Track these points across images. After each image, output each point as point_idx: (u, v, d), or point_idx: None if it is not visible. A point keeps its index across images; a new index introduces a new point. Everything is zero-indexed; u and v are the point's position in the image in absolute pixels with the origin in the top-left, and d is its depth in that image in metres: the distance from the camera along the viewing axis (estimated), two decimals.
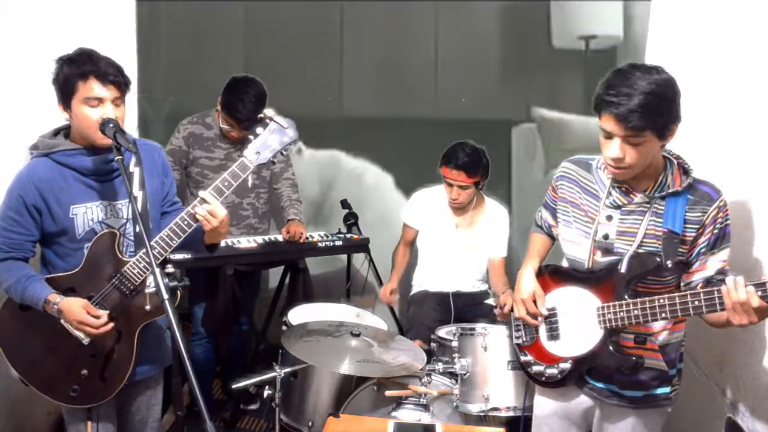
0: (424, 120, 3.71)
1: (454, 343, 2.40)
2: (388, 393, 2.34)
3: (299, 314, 2.79)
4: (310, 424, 2.45)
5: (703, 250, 1.74)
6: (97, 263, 1.92)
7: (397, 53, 3.78)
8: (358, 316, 2.82)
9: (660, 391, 1.88)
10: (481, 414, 2.33)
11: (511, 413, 2.31)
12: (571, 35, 3.62)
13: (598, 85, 1.69)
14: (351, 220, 3.46)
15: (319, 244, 3.22)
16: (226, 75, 2.97)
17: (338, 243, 3.28)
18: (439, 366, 2.41)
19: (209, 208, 1.85)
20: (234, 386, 2.33)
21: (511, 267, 3.09)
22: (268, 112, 1.94)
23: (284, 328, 2.68)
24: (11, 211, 1.89)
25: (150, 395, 2.16)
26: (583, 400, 1.98)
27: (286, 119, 1.93)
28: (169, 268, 1.70)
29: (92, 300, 1.90)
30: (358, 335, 2.35)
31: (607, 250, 1.83)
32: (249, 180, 1.90)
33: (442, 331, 2.65)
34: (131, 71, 2.28)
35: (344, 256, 3.51)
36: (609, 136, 1.66)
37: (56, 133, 1.96)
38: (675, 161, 1.78)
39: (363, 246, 3.35)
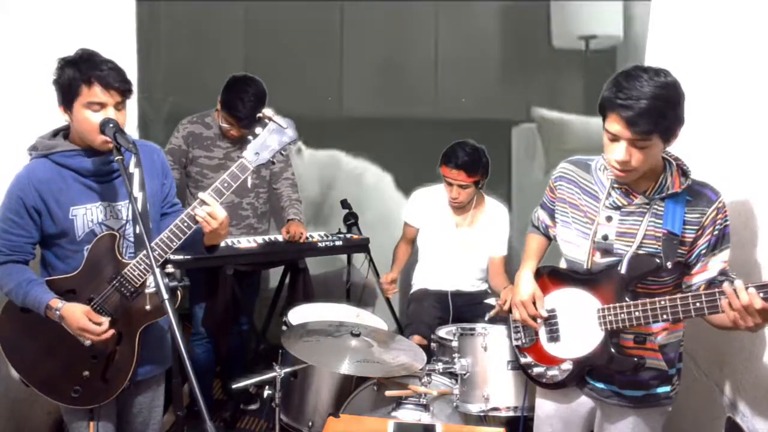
0: (424, 120, 3.71)
1: (454, 343, 2.40)
2: (388, 393, 2.34)
3: (299, 314, 2.79)
4: (310, 424, 2.45)
5: (703, 251, 1.74)
6: (97, 265, 1.92)
7: (397, 53, 3.78)
8: (358, 316, 2.82)
9: (660, 390, 1.88)
10: (481, 414, 2.33)
11: (511, 413, 2.31)
12: (571, 35, 3.62)
13: (604, 86, 1.69)
14: (351, 220, 3.46)
15: (319, 244, 3.22)
16: (226, 75, 2.97)
17: (338, 243, 3.28)
18: (439, 366, 2.41)
19: (209, 209, 1.84)
20: (234, 386, 2.33)
21: (511, 266, 3.09)
22: (267, 112, 1.93)
23: (284, 328, 2.68)
24: (11, 212, 1.88)
25: (152, 396, 2.16)
26: (584, 401, 1.98)
27: (285, 119, 1.93)
28: (169, 269, 1.70)
29: (93, 302, 1.90)
30: (358, 335, 2.35)
31: (607, 251, 1.83)
32: (248, 180, 1.90)
33: (442, 331, 2.65)
34: (131, 71, 2.28)
35: (344, 256, 3.51)
36: (615, 138, 1.66)
37: (55, 134, 1.96)
38: (674, 162, 1.79)
39: (363, 246, 3.35)
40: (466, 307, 3.08)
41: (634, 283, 1.78)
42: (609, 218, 1.82)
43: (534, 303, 1.97)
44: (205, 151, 3.04)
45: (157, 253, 1.83)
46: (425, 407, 2.34)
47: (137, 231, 1.67)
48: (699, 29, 2.46)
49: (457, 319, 2.94)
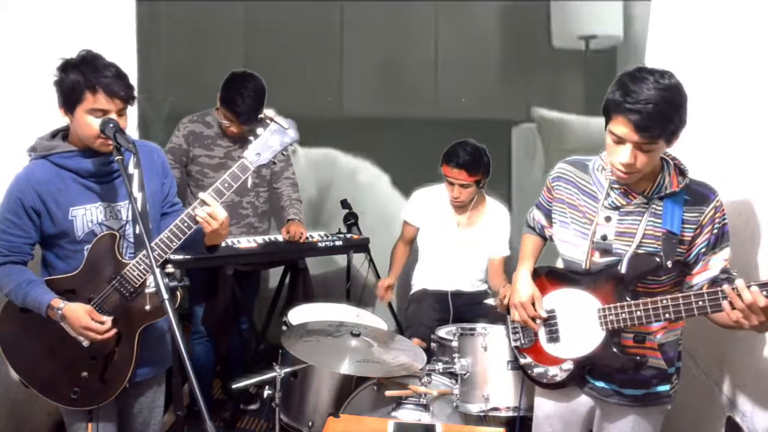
0: (424, 120, 3.71)
1: (454, 343, 2.40)
2: (388, 393, 2.34)
3: (299, 314, 2.79)
4: (310, 424, 2.45)
5: (703, 250, 1.75)
6: (97, 265, 1.92)
7: (397, 53, 3.78)
8: (358, 316, 2.82)
9: (660, 389, 1.88)
10: (481, 414, 2.33)
11: (511, 413, 2.31)
12: (571, 35, 3.62)
13: (609, 87, 1.68)
14: (351, 220, 3.46)
15: (319, 244, 3.22)
16: (226, 75, 2.97)
17: (338, 243, 3.28)
18: (439, 366, 2.41)
19: (209, 210, 1.84)
20: (234, 386, 2.33)
21: (510, 266, 3.09)
22: (269, 112, 1.93)
23: (284, 328, 2.68)
24: (10, 213, 1.88)
25: (152, 397, 2.16)
26: (583, 401, 1.98)
27: (286, 120, 1.93)
28: (169, 269, 1.70)
29: (92, 302, 1.90)
30: (358, 335, 2.35)
31: (606, 251, 1.83)
32: (249, 180, 1.90)
33: (442, 331, 2.65)
34: (131, 71, 2.28)
35: (344, 256, 3.51)
36: (620, 141, 1.66)
37: (54, 135, 1.96)
38: (671, 162, 1.79)
39: (363, 246, 3.35)
40: (466, 307, 3.07)
41: (634, 283, 1.78)
42: (608, 218, 1.82)
43: (533, 304, 1.97)
44: (205, 150, 3.04)
45: (156, 253, 1.83)
46: (425, 407, 2.34)
47: (137, 231, 1.67)
48: (699, 29, 2.46)
49: (457, 319, 2.94)
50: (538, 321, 1.97)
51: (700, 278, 1.77)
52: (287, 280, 3.37)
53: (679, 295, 1.67)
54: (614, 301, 1.79)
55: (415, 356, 2.35)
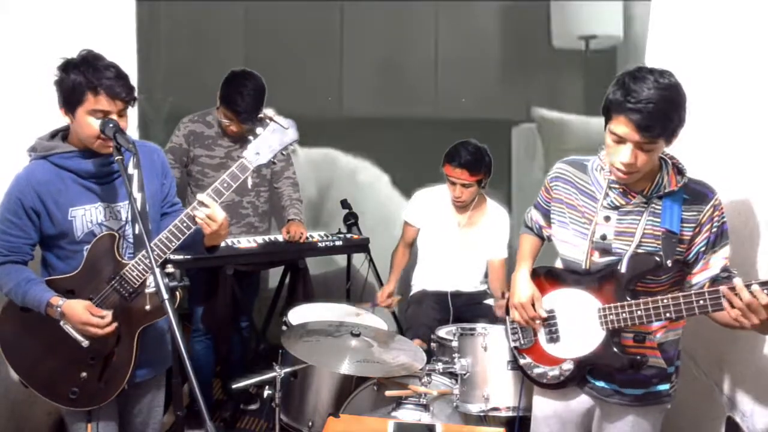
0: (424, 120, 3.71)
1: (454, 343, 2.40)
2: (388, 393, 2.34)
3: (299, 314, 2.79)
4: (310, 424, 2.45)
5: (702, 249, 1.75)
6: (97, 265, 1.92)
7: (397, 53, 3.78)
8: (358, 316, 2.82)
9: (660, 388, 1.88)
10: (481, 414, 2.33)
11: (511, 413, 2.31)
12: (571, 35, 3.62)
13: (610, 87, 1.69)
14: (351, 220, 3.46)
15: (319, 244, 3.22)
16: (226, 75, 2.97)
17: (338, 243, 3.28)
18: (439, 366, 2.41)
19: (208, 212, 1.84)
20: (234, 386, 2.33)
21: (510, 268, 3.09)
22: (269, 112, 1.93)
23: (284, 328, 2.68)
24: (9, 213, 1.88)
25: (151, 398, 2.16)
26: (583, 400, 1.98)
27: (286, 119, 1.92)
28: (169, 268, 1.70)
29: (92, 302, 1.89)
30: (358, 335, 2.35)
31: (605, 251, 1.83)
32: (249, 180, 1.89)
33: (442, 331, 2.65)
34: (131, 71, 2.28)
35: (344, 256, 3.51)
36: (621, 140, 1.66)
37: (53, 135, 1.96)
38: (669, 161, 1.80)
39: (363, 246, 3.35)
40: (466, 308, 3.07)
41: (635, 282, 1.78)
42: (607, 218, 1.82)
43: (533, 304, 1.97)
44: (206, 150, 3.04)
45: (156, 253, 1.83)
46: (425, 407, 2.34)
47: (137, 231, 1.67)
48: (699, 29, 2.46)
49: (457, 319, 2.94)
50: (538, 321, 1.97)
51: (700, 277, 1.77)
52: (287, 280, 3.37)
53: (680, 294, 1.67)
54: (614, 301, 1.79)
55: (415, 356, 2.35)
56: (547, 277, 2.00)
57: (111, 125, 1.79)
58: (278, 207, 3.31)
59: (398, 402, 2.35)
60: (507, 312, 2.10)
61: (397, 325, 3.42)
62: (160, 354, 2.10)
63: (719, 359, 2.20)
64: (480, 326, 2.41)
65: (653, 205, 1.77)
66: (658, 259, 1.73)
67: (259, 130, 1.90)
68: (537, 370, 1.99)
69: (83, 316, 1.84)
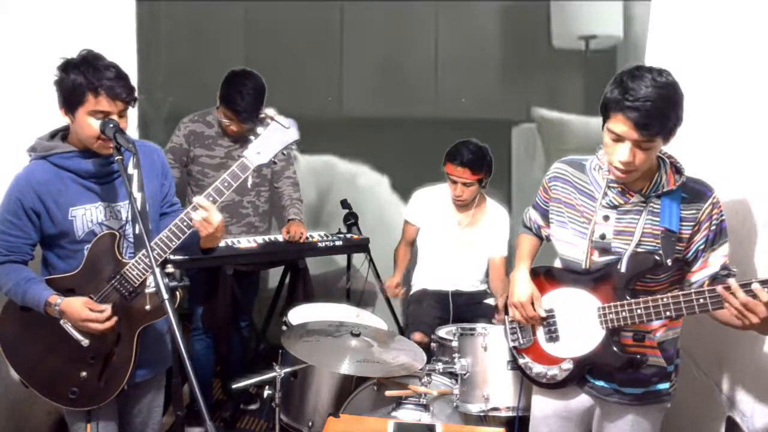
0: (424, 120, 3.71)
1: (454, 343, 2.40)
2: (388, 393, 2.34)
3: (299, 314, 2.79)
4: (310, 424, 2.45)
5: (702, 247, 1.75)
6: (97, 264, 1.92)
7: (397, 53, 3.78)
8: (358, 316, 2.82)
9: (660, 386, 1.89)
10: (481, 414, 2.33)
11: (511, 413, 2.31)
12: (571, 35, 3.62)
13: (608, 86, 1.69)
14: (351, 220, 3.46)
15: (319, 244, 3.22)
16: (226, 74, 2.97)
17: (338, 243, 3.28)
18: (439, 366, 2.41)
19: (204, 215, 1.83)
20: (234, 386, 2.33)
21: (510, 268, 3.09)
22: (270, 111, 1.92)
23: (284, 328, 2.68)
24: (9, 214, 1.89)
25: (151, 398, 2.16)
26: (583, 400, 1.98)
27: (287, 119, 1.92)
28: (169, 268, 1.70)
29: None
30: (358, 335, 2.35)
31: (605, 250, 1.83)
32: (249, 179, 1.89)
33: (442, 331, 2.65)
34: (131, 71, 2.28)
35: (344, 256, 3.51)
36: (619, 139, 1.67)
37: (53, 135, 1.96)
38: (667, 161, 1.80)
39: (363, 246, 3.34)
40: (466, 307, 3.08)
41: (634, 281, 1.78)
42: (606, 217, 1.82)
43: (532, 304, 1.97)
44: (206, 149, 3.04)
45: (156, 252, 1.83)
46: (425, 407, 2.34)
47: (137, 231, 1.67)
48: (699, 29, 2.46)
49: (457, 319, 2.94)
50: (537, 321, 1.97)
51: (700, 275, 1.77)
52: (287, 280, 3.37)
53: (680, 293, 1.67)
54: (614, 300, 1.79)
55: (415, 356, 2.35)
56: (546, 276, 2.00)
57: (111, 125, 1.79)
58: (278, 207, 3.31)
59: (398, 402, 2.35)
60: (506, 312, 2.10)
61: (397, 325, 3.42)
62: (160, 354, 2.10)
63: (719, 359, 2.20)
64: (480, 326, 2.41)
65: (652, 204, 1.77)
66: (657, 258, 1.74)
67: (260, 129, 1.90)
68: (536, 370, 1.99)
69: (82, 312, 1.84)
